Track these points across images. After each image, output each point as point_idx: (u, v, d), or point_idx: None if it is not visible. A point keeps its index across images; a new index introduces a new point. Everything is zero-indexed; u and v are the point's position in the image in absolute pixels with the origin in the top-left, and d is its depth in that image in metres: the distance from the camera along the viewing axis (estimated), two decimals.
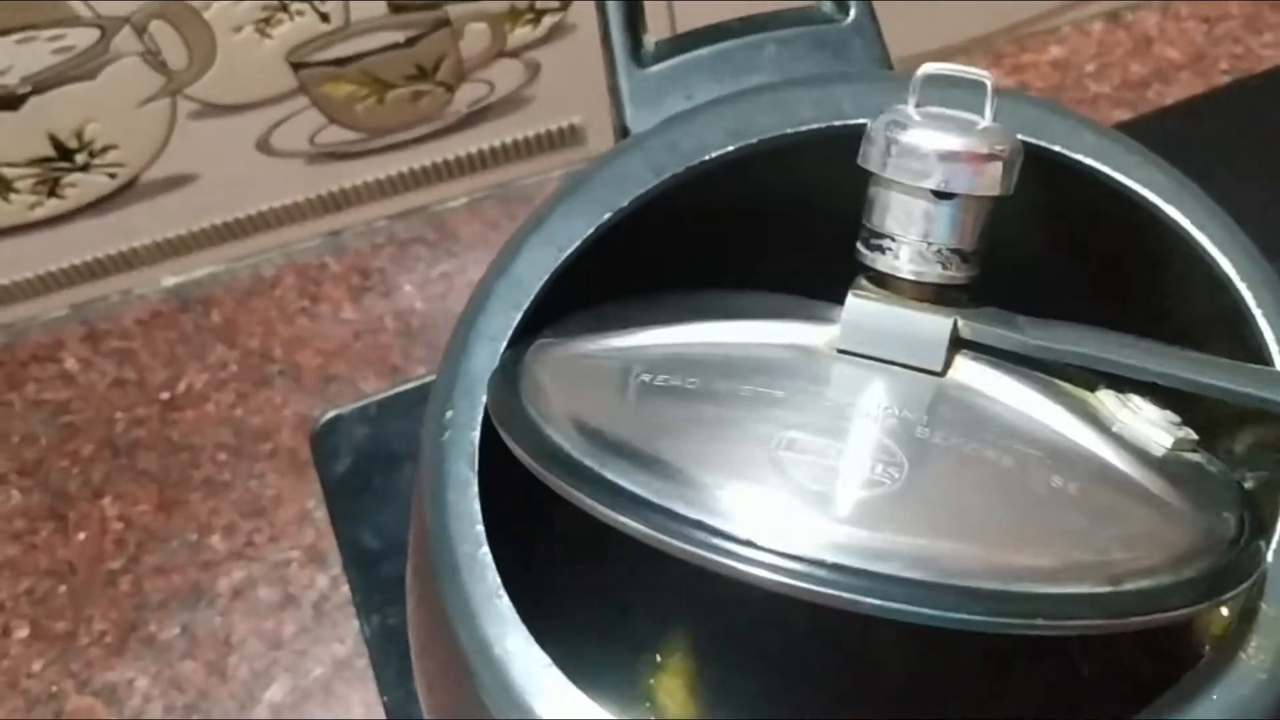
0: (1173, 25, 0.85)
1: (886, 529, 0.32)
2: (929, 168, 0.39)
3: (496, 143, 0.79)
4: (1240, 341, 0.44)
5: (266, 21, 0.68)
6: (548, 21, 0.73)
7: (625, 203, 0.46)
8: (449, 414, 0.42)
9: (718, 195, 0.47)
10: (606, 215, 0.45)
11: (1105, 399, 0.38)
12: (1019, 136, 0.42)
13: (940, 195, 0.39)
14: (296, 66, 0.71)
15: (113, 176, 0.73)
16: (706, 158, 0.46)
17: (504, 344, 0.43)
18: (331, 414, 0.70)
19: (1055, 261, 0.52)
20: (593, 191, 0.46)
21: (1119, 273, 0.51)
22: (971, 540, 0.32)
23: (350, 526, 0.66)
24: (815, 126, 0.46)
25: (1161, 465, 0.37)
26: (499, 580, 0.39)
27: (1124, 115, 0.80)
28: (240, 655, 0.71)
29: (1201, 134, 0.75)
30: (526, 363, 0.40)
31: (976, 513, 0.33)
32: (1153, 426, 0.38)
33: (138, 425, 0.77)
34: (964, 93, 0.40)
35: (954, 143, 0.39)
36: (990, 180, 0.39)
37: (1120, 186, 0.45)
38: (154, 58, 0.68)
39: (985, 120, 0.39)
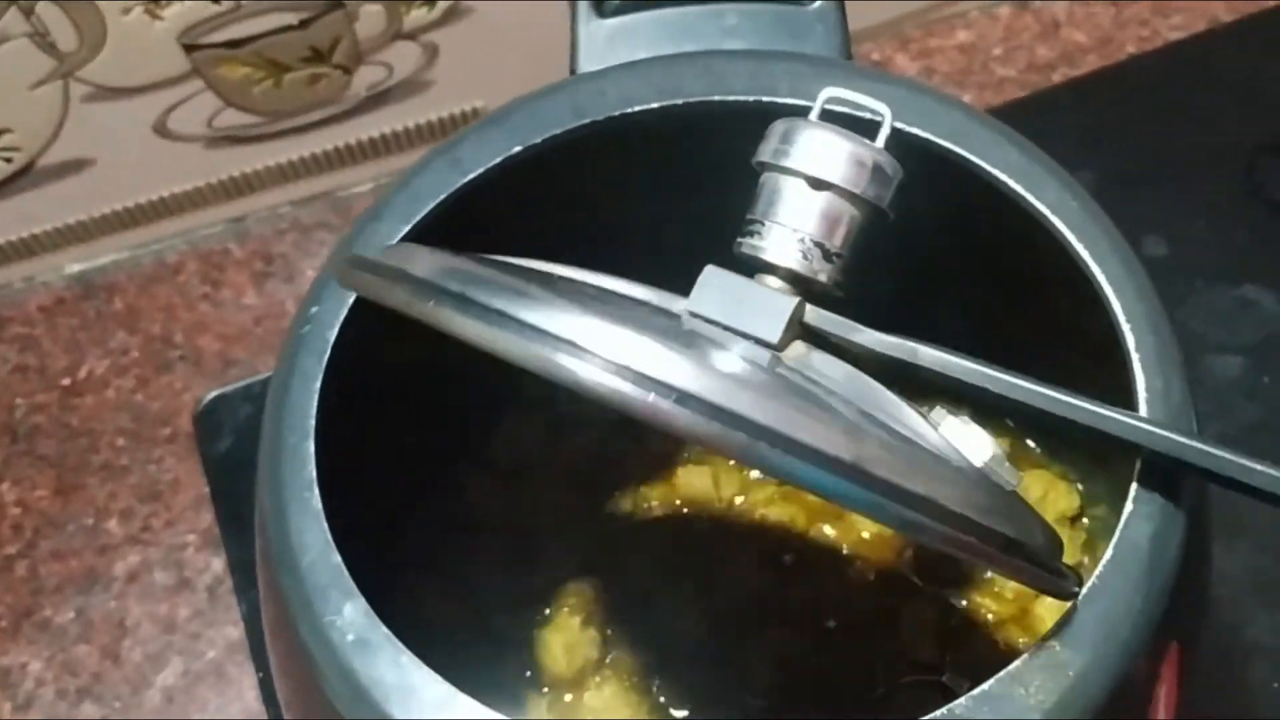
0: (1080, 9, 0.85)
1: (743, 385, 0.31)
2: (809, 155, 0.39)
3: (399, 126, 0.78)
4: (1094, 318, 0.44)
5: (156, 2, 0.68)
6: (442, 4, 0.72)
7: (539, 139, 0.46)
8: (314, 309, 0.43)
9: (641, 152, 0.47)
10: (517, 148, 0.46)
11: (936, 414, 0.38)
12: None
13: (815, 184, 0.39)
14: (189, 49, 0.70)
15: (9, 161, 0.73)
16: (630, 110, 0.46)
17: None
18: (215, 393, 0.70)
19: (939, 244, 0.52)
20: (510, 123, 0.46)
21: (993, 257, 0.51)
22: (818, 422, 0.31)
23: (231, 504, 0.66)
24: (743, 99, 0.47)
25: (976, 474, 0.36)
26: (315, 477, 0.39)
27: None
28: (134, 639, 0.70)
29: (1095, 110, 0.75)
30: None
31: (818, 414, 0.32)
32: (977, 439, 0.37)
33: (37, 411, 0.76)
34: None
35: (843, 137, 0.39)
36: (871, 184, 0.39)
37: (980, 170, 0.45)
38: (43, 39, 0.67)
39: (880, 143, 0.40)
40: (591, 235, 0.46)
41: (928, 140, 0.44)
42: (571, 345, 0.30)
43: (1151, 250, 0.68)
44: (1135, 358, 0.40)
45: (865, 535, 0.56)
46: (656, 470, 0.58)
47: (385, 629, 0.37)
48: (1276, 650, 0.60)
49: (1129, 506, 0.38)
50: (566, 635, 0.54)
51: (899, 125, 0.44)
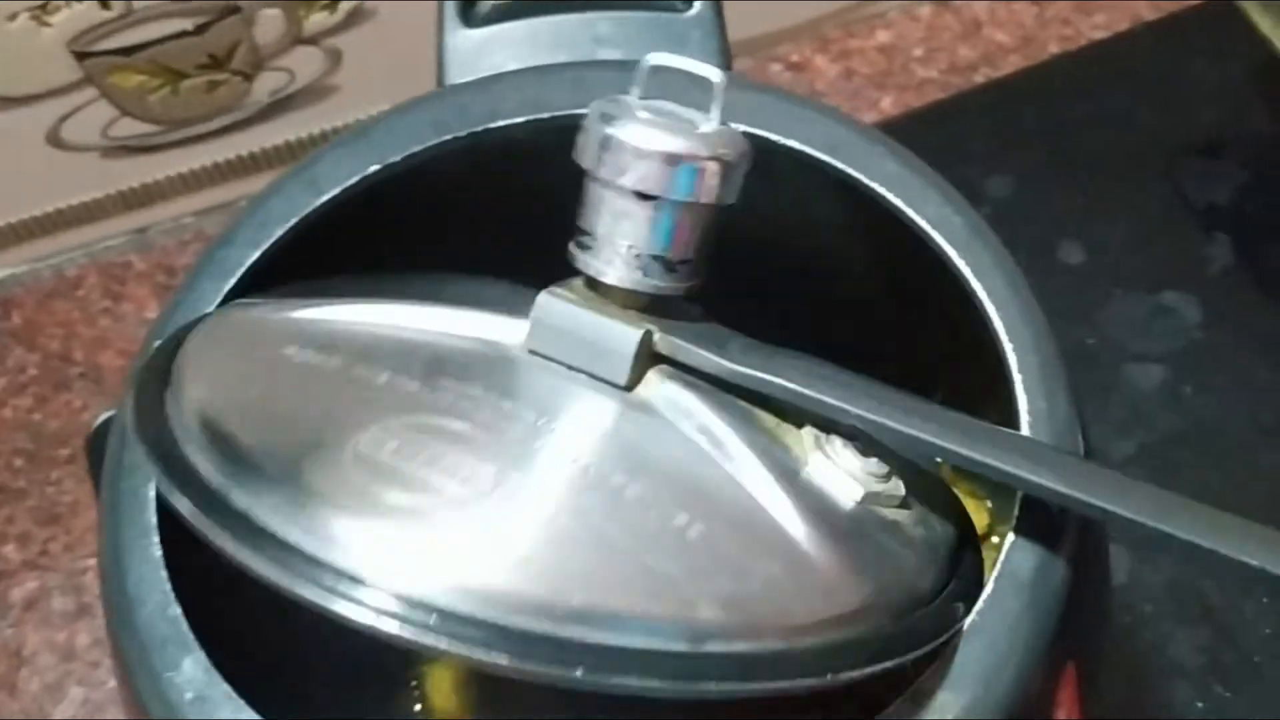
0: (1002, 8, 0.83)
1: (469, 565, 0.30)
2: (631, 166, 0.35)
3: (304, 134, 0.76)
4: (983, 336, 0.42)
5: (43, 8, 0.65)
6: (345, 6, 0.70)
7: (398, 157, 0.44)
8: (156, 343, 0.40)
9: (507, 169, 0.45)
10: (374, 166, 0.44)
11: (806, 439, 0.36)
12: (746, 129, 0.40)
13: (642, 197, 0.36)
14: (80, 56, 0.68)
15: None
16: (493, 125, 0.44)
17: (233, 281, 0.42)
18: (106, 414, 0.67)
19: (829, 259, 0.51)
20: (369, 140, 0.44)
21: (883, 274, 0.49)
22: (548, 581, 0.29)
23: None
24: None
25: (842, 519, 0.34)
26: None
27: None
28: (31, 668, 0.68)
29: (1015, 112, 0.74)
30: (200, 330, 0.38)
31: (570, 549, 0.31)
32: (848, 477, 0.35)
33: None
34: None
35: (663, 142, 0.35)
36: (703, 187, 0.36)
37: (859, 184, 0.44)
38: None
39: (712, 120, 0.36)
40: (454, 256, 0.45)
41: (805, 153, 0.42)
42: (345, 580, 0.29)
43: (1068, 256, 0.67)
44: (1018, 379, 0.39)
45: None
46: None
47: (226, 686, 0.35)
48: (1199, 669, 0.58)
49: (1010, 537, 0.37)
50: (457, 672, 0.52)
51: (777, 138, 0.42)
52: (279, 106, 0.75)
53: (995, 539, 0.53)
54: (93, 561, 0.71)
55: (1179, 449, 0.63)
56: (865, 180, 0.42)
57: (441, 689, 0.52)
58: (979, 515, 0.53)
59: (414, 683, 0.53)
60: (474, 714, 0.52)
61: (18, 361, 0.76)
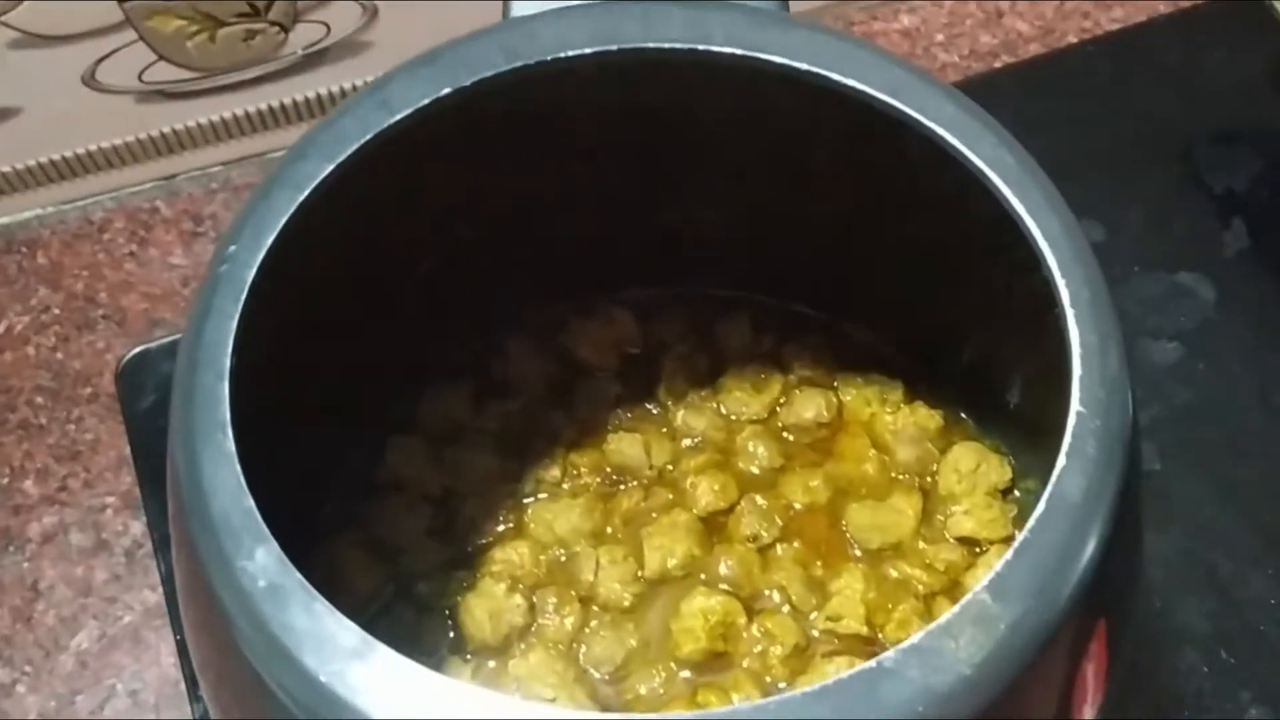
0: None
1: None
2: None
3: (335, 87, 0.77)
4: (1029, 278, 0.43)
5: None
6: None
7: (468, 81, 0.45)
8: (231, 248, 0.41)
9: (572, 98, 0.46)
10: (446, 90, 0.44)
11: None
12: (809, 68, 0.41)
13: None
14: None
15: None
16: (562, 54, 0.45)
17: (307, 191, 0.42)
18: (138, 349, 0.68)
19: (872, 203, 0.52)
20: (441, 64, 0.45)
21: (927, 216, 0.50)
22: None
23: (152, 464, 0.64)
24: (678, 47, 0.46)
25: None
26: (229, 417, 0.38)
27: None
28: (48, 601, 0.68)
29: (1035, 97, 0.75)
30: None
31: None
32: None
33: None
34: None
35: None
36: None
37: (916, 124, 0.44)
38: None
39: None
40: (517, 184, 0.45)
41: (863, 93, 0.43)
42: None
43: (1089, 234, 0.67)
44: (1070, 313, 0.40)
45: (797, 506, 0.55)
46: (586, 437, 0.57)
47: (299, 575, 0.35)
48: (1206, 635, 0.59)
49: (1061, 461, 0.38)
50: (491, 602, 0.52)
51: (838, 78, 0.43)
52: (313, 59, 0.75)
53: (1017, 493, 0.54)
54: (111, 499, 0.71)
55: (1191, 423, 0.64)
56: (924, 120, 0.43)
57: (476, 618, 0.52)
58: (1002, 471, 0.54)
59: (447, 612, 0.53)
60: (502, 643, 0.52)
61: (42, 301, 0.76)
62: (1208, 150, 0.72)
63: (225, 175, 0.79)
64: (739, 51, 0.44)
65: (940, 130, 0.42)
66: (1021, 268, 0.43)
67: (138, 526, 0.69)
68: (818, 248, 0.55)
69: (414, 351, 0.56)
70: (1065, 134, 0.71)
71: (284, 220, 0.41)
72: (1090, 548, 0.37)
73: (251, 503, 0.37)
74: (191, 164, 0.78)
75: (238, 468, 0.37)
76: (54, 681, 0.65)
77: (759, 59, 0.44)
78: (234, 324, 0.40)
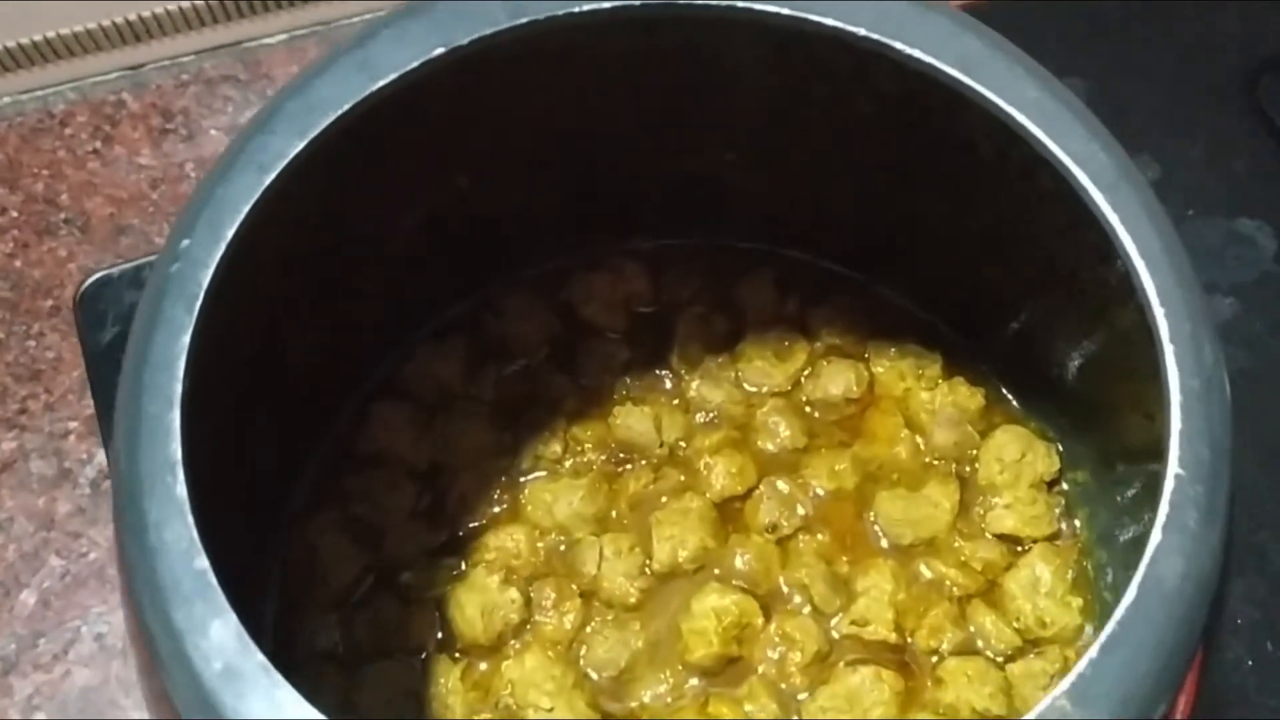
0: None
1: None
2: None
3: None
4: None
5: None
6: None
7: (465, 39, 0.39)
8: (184, 242, 0.36)
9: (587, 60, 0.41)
10: (439, 49, 0.39)
11: None
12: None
13: None
14: None
15: None
16: (576, 9, 0.39)
17: (274, 174, 0.37)
18: (99, 275, 0.62)
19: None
20: (432, 18, 0.39)
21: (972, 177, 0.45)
22: None
23: (112, 401, 0.59)
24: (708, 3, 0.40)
25: None
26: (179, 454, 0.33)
27: None
28: (7, 535, 0.64)
29: (1090, 13, 0.68)
30: None
31: None
32: None
33: None
34: None
35: None
36: None
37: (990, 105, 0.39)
38: None
39: None
40: (517, 129, 0.39)
41: (928, 65, 0.38)
42: None
43: (1142, 171, 0.62)
44: (1169, 351, 0.35)
45: (820, 492, 0.50)
46: (590, 407, 0.52)
47: (260, 656, 0.31)
48: (1253, 625, 0.55)
49: (1156, 536, 0.33)
50: (483, 595, 0.48)
51: (901, 47, 0.37)
52: None
53: (1065, 485, 0.50)
54: (75, 424, 0.66)
55: (1245, 389, 0.58)
56: (1001, 104, 0.37)
57: (466, 614, 0.48)
58: (1049, 460, 0.50)
59: (435, 604, 0.49)
60: (495, 642, 0.48)
61: None
62: (1275, 81, 0.66)
63: (197, 66, 0.73)
64: (770, 8, 0.37)
65: (1021, 117, 0.37)
66: (1097, 256, 0.39)
67: (103, 455, 0.65)
68: (855, 200, 0.50)
69: (398, 308, 0.51)
70: (1116, 58, 0.65)
71: (247, 208, 0.36)
72: (1190, 645, 0.32)
73: (206, 563, 0.32)
74: (160, 53, 0.72)
75: (189, 519, 0.32)
76: (14, 623, 0.61)
77: (807, 20, 0.38)
78: (187, 339, 0.34)
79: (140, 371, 0.34)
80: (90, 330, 0.61)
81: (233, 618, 0.31)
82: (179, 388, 0.33)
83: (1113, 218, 0.35)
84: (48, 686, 0.59)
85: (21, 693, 0.58)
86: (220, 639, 0.31)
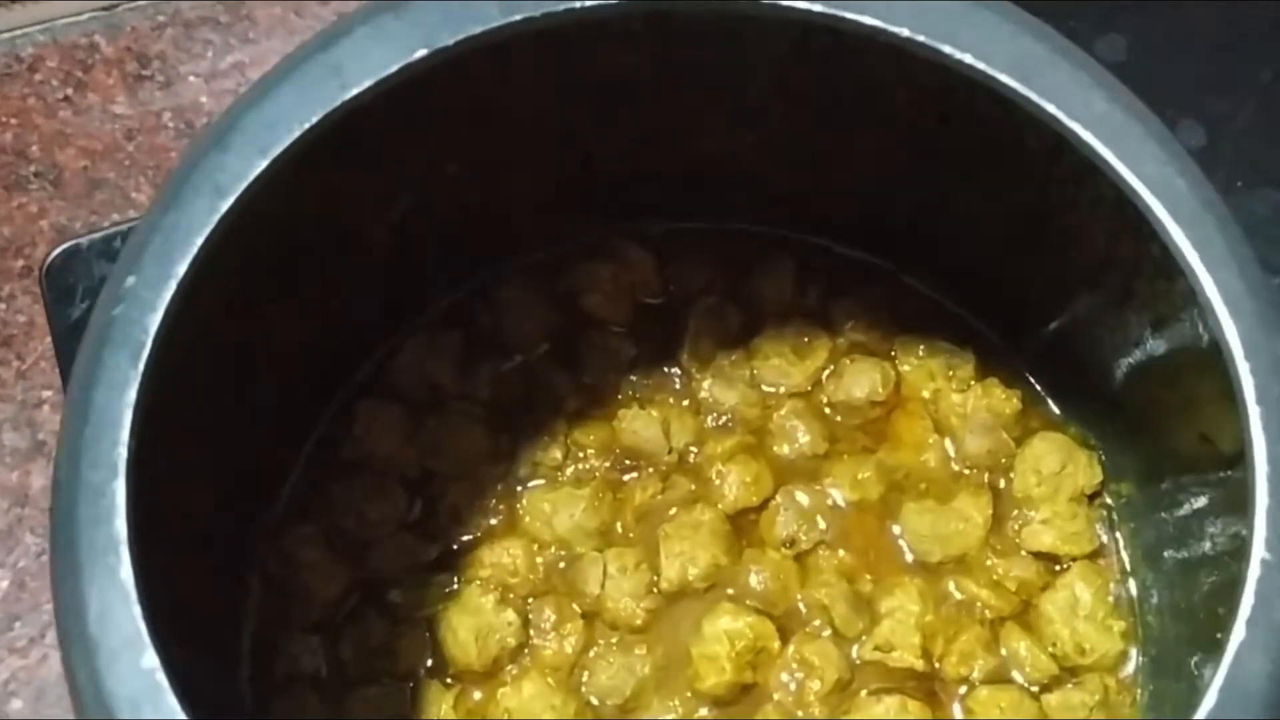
0: None
1: None
2: None
3: None
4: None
5: None
6: None
7: (451, 40, 0.35)
8: (129, 280, 0.32)
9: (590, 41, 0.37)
10: (420, 52, 0.35)
11: None
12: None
13: None
14: None
15: None
16: (578, 5, 0.36)
17: (233, 198, 0.33)
18: (67, 245, 0.58)
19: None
20: (413, 16, 0.35)
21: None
22: None
23: None
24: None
25: None
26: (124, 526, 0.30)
27: None
28: None
29: None
30: None
31: None
32: None
33: None
34: None
35: None
36: None
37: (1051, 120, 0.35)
38: None
39: None
40: (513, 114, 0.36)
41: (979, 72, 0.34)
42: None
43: (1188, 137, 0.57)
44: (1254, 415, 0.32)
45: (842, 503, 0.47)
46: (593, 409, 0.48)
47: None
48: None
49: (1239, 632, 0.29)
50: (477, 616, 0.45)
51: (950, 52, 0.33)
52: None
53: (1108, 498, 0.46)
54: (49, 394, 0.63)
55: None
56: (1062, 118, 0.33)
57: (459, 638, 0.45)
58: (1091, 471, 0.47)
59: (426, 625, 0.46)
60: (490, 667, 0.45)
61: None
62: None
63: (174, 8, 0.69)
64: (815, 7, 0.33)
65: (1085, 134, 0.33)
66: (1160, 272, 0.36)
67: None
68: (882, 183, 0.46)
69: (384, 301, 0.47)
70: (1159, 14, 0.60)
71: (200, 239, 0.32)
72: None
73: (156, 660, 0.29)
74: None
75: (136, 610, 0.28)
76: None
77: (841, 19, 0.34)
78: (133, 394, 0.30)
79: (79, 433, 0.30)
80: (58, 305, 0.58)
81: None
82: (124, 452, 0.30)
83: (1194, 261, 0.31)
84: (24, 672, 0.57)
85: None
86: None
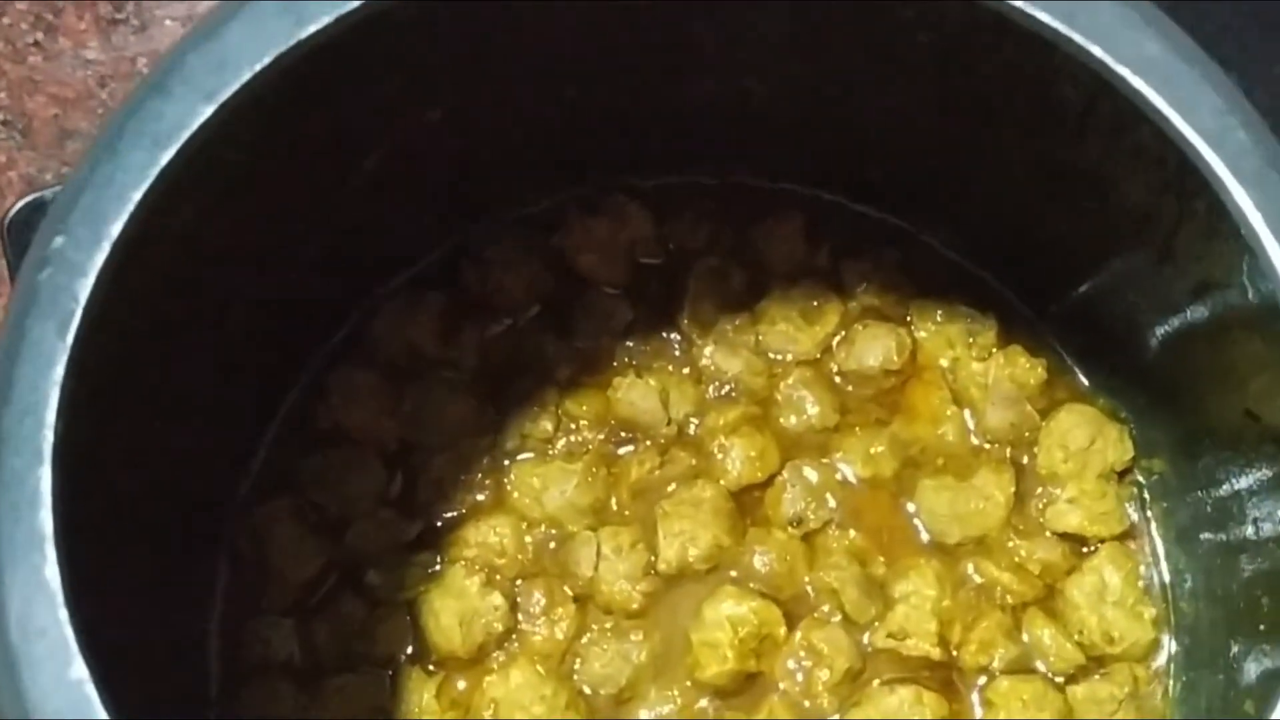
0: None
1: None
2: None
3: None
4: None
5: None
6: None
7: None
8: (57, 240, 0.30)
9: None
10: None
11: None
12: None
13: None
14: None
15: None
16: None
17: (174, 149, 0.30)
18: (31, 198, 0.55)
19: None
20: None
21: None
22: None
23: None
24: None
25: None
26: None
27: None
28: None
29: None
30: None
31: None
32: None
33: None
34: None
35: None
36: None
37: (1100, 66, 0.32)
38: None
39: None
40: (494, 51, 0.35)
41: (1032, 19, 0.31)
42: None
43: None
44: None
45: (853, 480, 0.44)
46: (586, 376, 0.46)
47: None
48: None
49: None
50: (461, 600, 0.43)
51: None
52: None
53: (1139, 476, 0.44)
54: None
55: None
56: (1109, 62, 0.30)
57: (442, 623, 0.42)
58: (1121, 447, 0.45)
59: (407, 608, 0.43)
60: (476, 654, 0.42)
61: None
62: None
63: None
64: None
65: (1134, 80, 0.29)
66: (1210, 231, 0.33)
67: None
68: (900, 134, 0.44)
69: (360, 258, 0.44)
70: None
71: (137, 195, 0.29)
72: None
73: (84, 671, 0.26)
74: None
75: (62, 613, 0.25)
76: None
77: None
78: (59, 370, 0.27)
79: None
80: (21, 261, 0.55)
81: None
82: (49, 435, 0.26)
83: (1255, 221, 0.29)
84: None
85: None
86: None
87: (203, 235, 0.32)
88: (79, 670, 0.26)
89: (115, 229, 0.28)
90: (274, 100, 0.31)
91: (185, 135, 0.29)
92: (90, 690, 0.26)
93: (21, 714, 0.26)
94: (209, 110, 0.29)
